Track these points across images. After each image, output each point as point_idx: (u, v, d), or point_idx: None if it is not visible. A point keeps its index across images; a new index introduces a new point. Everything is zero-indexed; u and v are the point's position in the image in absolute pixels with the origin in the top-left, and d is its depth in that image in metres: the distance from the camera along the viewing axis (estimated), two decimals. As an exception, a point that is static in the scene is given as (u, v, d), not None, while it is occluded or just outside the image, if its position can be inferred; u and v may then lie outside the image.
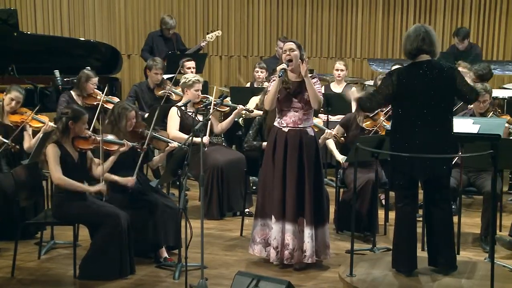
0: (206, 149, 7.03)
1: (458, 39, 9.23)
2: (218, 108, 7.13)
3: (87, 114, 5.67)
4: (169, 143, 6.15)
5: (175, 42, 9.90)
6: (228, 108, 7.59)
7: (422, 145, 4.98)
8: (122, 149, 5.72)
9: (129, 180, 5.77)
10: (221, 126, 7.43)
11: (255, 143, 6.60)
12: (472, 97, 5.24)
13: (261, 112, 7.03)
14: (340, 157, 6.64)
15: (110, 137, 5.79)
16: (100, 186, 5.55)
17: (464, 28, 9.58)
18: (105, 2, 11.53)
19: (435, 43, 5.09)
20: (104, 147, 5.63)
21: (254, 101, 7.81)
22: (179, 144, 6.03)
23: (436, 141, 5.00)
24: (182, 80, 7.37)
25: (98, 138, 5.59)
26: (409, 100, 5.04)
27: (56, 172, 5.40)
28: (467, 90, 5.14)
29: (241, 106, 7.39)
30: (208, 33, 9.94)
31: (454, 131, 5.10)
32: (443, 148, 5.01)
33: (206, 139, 6.95)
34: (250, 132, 6.72)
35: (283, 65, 5.54)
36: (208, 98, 7.29)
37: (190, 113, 7.01)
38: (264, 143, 6.40)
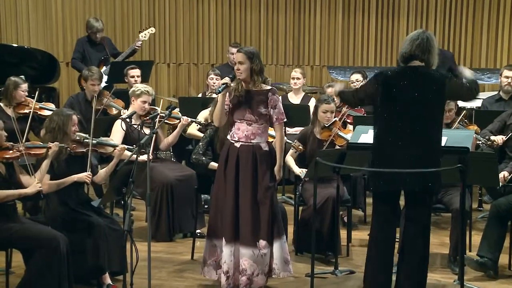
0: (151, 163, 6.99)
1: None
2: (166, 121, 7.06)
3: (2, 124, 5.52)
4: (115, 147, 6.15)
5: (106, 46, 9.70)
6: (178, 120, 7.56)
7: (405, 161, 4.94)
8: (51, 150, 5.64)
9: (86, 176, 5.78)
10: (167, 141, 7.38)
11: (203, 158, 6.58)
12: (466, 95, 5.25)
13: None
14: (298, 170, 6.66)
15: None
16: (36, 186, 5.39)
17: None
18: (40, 3, 11.31)
19: (431, 52, 5.06)
20: (32, 153, 5.58)
21: (203, 115, 7.74)
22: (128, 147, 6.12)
23: (418, 158, 4.96)
24: (132, 88, 7.33)
25: (21, 148, 5.51)
26: (392, 107, 5.03)
27: None
28: (461, 94, 5.21)
29: (185, 118, 7.34)
30: (140, 32, 9.72)
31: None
32: (426, 165, 4.94)
33: (144, 158, 6.21)
34: (200, 144, 6.70)
35: (226, 79, 5.55)
36: (156, 109, 7.20)
37: (135, 126, 6.95)
38: (212, 163, 6.52)
